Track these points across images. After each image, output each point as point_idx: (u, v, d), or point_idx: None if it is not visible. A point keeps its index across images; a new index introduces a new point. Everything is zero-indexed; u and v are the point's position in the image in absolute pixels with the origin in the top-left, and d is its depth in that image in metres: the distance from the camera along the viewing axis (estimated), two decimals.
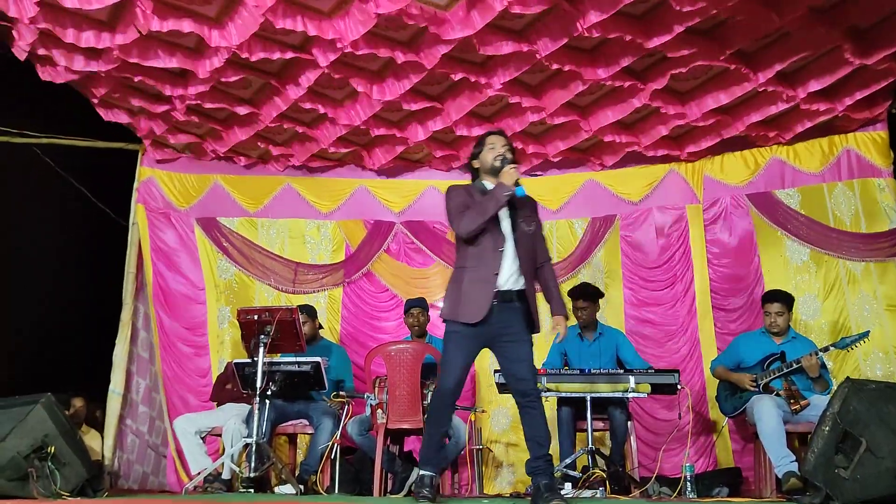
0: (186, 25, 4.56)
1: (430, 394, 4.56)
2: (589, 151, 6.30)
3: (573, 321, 5.54)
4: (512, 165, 3.56)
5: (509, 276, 3.54)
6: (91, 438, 5.64)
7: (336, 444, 4.71)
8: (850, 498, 3.15)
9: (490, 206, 3.51)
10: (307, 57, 4.96)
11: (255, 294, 6.32)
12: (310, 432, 5.06)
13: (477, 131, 5.84)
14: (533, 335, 3.60)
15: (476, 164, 3.77)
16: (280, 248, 6.43)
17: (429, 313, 5.49)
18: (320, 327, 5.67)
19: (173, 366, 6.04)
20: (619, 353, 5.28)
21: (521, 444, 6.00)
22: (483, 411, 5.53)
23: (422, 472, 3.58)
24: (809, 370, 4.59)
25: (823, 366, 4.78)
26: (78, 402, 5.75)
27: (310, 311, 5.46)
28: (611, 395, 4.67)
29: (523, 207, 3.65)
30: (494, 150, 3.69)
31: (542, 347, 6.11)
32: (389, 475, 4.94)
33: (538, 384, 4.59)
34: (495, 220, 3.56)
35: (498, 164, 3.62)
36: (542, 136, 6.12)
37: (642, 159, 6.27)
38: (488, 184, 3.68)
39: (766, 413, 4.39)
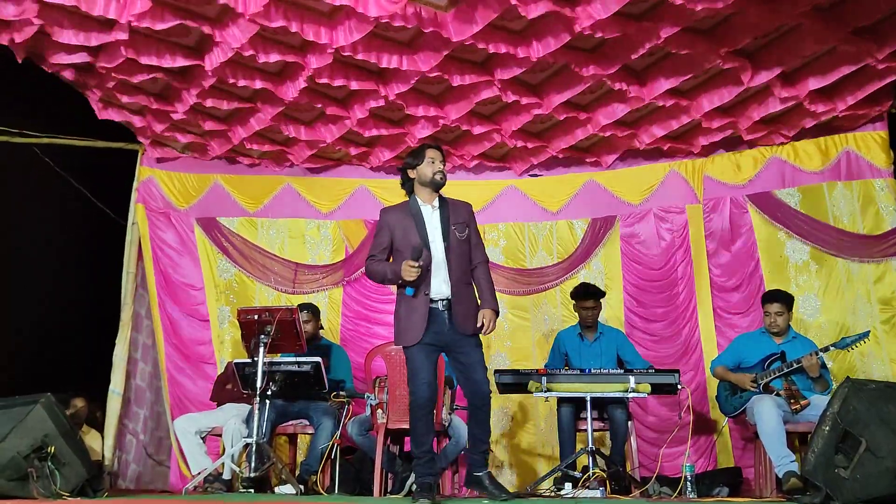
0: (187, 25, 4.57)
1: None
2: (589, 150, 6.30)
3: (574, 321, 5.55)
4: (412, 264, 3.63)
5: (443, 286, 3.73)
6: (91, 439, 5.64)
7: (336, 444, 4.71)
8: (850, 497, 3.15)
9: (390, 277, 3.77)
10: (307, 56, 4.96)
11: (254, 294, 6.32)
12: (310, 432, 5.06)
13: (478, 130, 5.85)
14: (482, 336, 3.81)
15: (412, 173, 3.88)
16: (280, 248, 6.43)
17: None
18: (321, 328, 5.67)
19: (177, 365, 6.04)
20: (620, 353, 5.28)
21: (522, 444, 6.04)
22: None
23: (424, 480, 3.64)
24: (810, 370, 4.59)
25: (824, 365, 4.78)
26: (79, 402, 5.75)
27: (313, 310, 5.45)
28: (611, 394, 4.67)
29: (457, 215, 3.84)
30: (434, 165, 3.82)
31: (543, 348, 6.14)
32: (389, 475, 4.93)
33: (536, 385, 4.66)
34: (423, 238, 3.75)
35: (438, 178, 3.81)
36: (543, 135, 6.12)
37: (642, 159, 6.27)
38: (422, 197, 3.85)
39: (767, 413, 4.39)
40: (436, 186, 3.83)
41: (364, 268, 3.94)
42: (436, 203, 3.86)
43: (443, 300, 3.73)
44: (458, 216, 3.84)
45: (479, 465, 3.77)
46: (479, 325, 3.74)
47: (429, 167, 3.81)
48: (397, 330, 3.79)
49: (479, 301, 3.84)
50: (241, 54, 4.83)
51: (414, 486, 3.87)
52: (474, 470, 3.78)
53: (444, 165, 3.88)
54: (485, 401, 3.74)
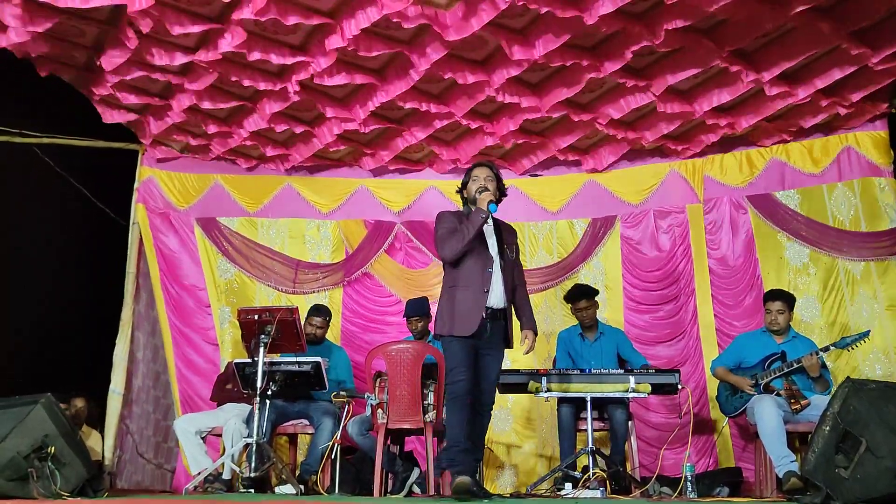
0: (187, 25, 4.58)
1: (430, 394, 4.56)
2: (589, 151, 6.30)
3: (573, 322, 5.55)
4: (488, 192, 3.92)
5: (497, 295, 3.94)
6: (92, 439, 5.64)
7: (336, 444, 4.71)
8: (851, 497, 3.14)
9: (469, 229, 3.86)
10: (307, 56, 4.96)
11: (254, 294, 6.32)
12: (310, 432, 5.06)
13: (477, 129, 5.84)
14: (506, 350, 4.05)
15: (465, 193, 4.14)
16: (280, 248, 6.42)
17: (430, 313, 5.43)
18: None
19: (187, 363, 6.05)
20: (620, 352, 5.28)
21: (522, 444, 6.03)
22: None
23: (461, 478, 3.61)
24: (810, 370, 4.59)
25: (824, 365, 4.78)
26: (79, 402, 5.76)
27: (327, 316, 5.46)
28: (611, 394, 4.66)
29: (508, 236, 4.11)
30: (477, 182, 4.03)
31: (543, 348, 6.13)
32: (390, 475, 4.93)
33: (536, 385, 4.67)
34: (483, 243, 3.97)
35: (477, 195, 3.97)
36: (543, 134, 6.12)
37: (643, 159, 6.27)
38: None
39: (767, 413, 4.39)
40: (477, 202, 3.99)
41: (440, 255, 3.98)
42: (490, 221, 4.03)
43: (496, 309, 3.92)
44: (509, 237, 4.10)
45: (472, 471, 3.77)
46: (522, 344, 3.99)
47: (473, 185, 4.03)
48: (448, 318, 3.86)
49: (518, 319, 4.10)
50: (241, 54, 4.83)
51: (454, 489, 3.77)
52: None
53: (493, 180, 4.03)
54: (486, 408, 3.95)
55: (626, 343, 5.38)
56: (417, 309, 5.40)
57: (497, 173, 4.11)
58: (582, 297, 5.34)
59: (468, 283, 3.89)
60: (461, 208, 4.16)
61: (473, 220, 3.87)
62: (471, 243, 3.87)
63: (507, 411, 6.09)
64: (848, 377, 3.58)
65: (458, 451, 3.72)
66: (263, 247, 6.36)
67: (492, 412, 4.02)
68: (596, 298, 5.41)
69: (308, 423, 5.07)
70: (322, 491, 4.76)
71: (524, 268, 6.28)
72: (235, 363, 4.91)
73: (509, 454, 6.03)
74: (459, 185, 4.17)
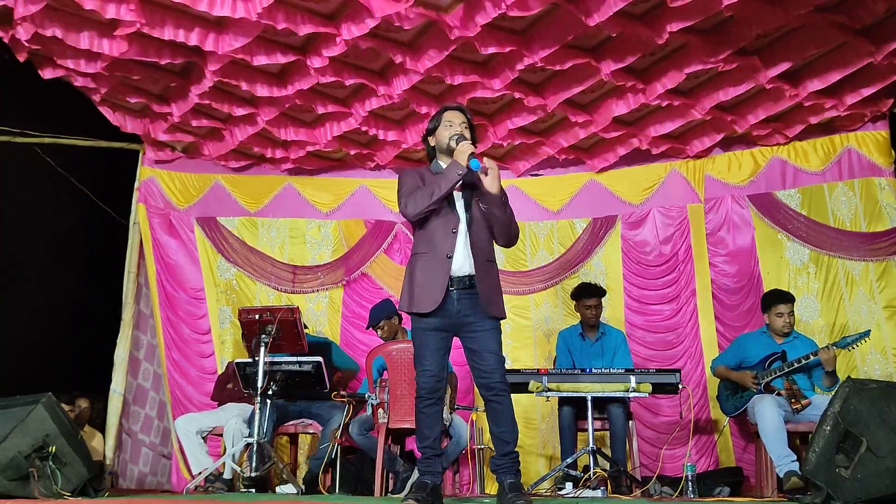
0: (188, 27, 4.58)
1: None
2: (590, 151, 6.29)
3: (575, 320, 5.54)
4: (467, 142, 3.29)
5: (462, 260, 3.31)
6: (95, 440, 5.65)
7: (337, 444, 4.71)
8: (851, 497, 3.14)
9: (441, 184, 3.24)
10: (308, 57, 4.96)
11: (255, 293, 6.32)
12: (311, 432, 5.07)
13: (478, 129, 5.83)
14: (501, 321, 3.38)
15: (432, 141, 3.50)
16: (280, 248, 6.43)
17: (396, 314, 5.22)
18: (305, 327, 5.60)
19: (177, 365, 6.05)
20: (615, 356, 5.26)
21: (522, 444, 6.00)
22: (483, 410, 5.50)
23: (421, 479, 3.34)
24: (826, 364, 4.58)
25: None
26: (83, 403, 5.76)
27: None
28: (612, 394, 4.66)
29: (482, 184, 3.33)
30: (451, 127, 3.40)
31: (544, 348, 6.13)
32: (390, 475, 4.94)
33: (537, 385, 4.64)
34: (449, 200, 3.33)
35: (454, 144, 3.31)
36: (544, 135, 6.11)
37: (644, 158, 6.27)
38: (444, 164, 3.41)
39: (768, 412, 4.39)
40: (452, 153, 3.31)
41: (402, 212, 3.33)
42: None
43: (461, 277, 3.29)
44: (482, 186, 3.32)
45: (502, 470, 3.28)
46: (485, 174, 3.22)
47: (446, 131, 3.39)
48: (409, 292, 3.32)
49: (498, 279, 3.42)
50: (243, 56, 4.83)
51: (412, 487, 3.82)
52: (499, 476, 3.32)
53: (469, 128, 3.42)
54: (493, 393, 3.33)
55: (622, 346, 5.32)
56: (376, 315, 5.21)
57: (471, 121, 3.46)
58: (591, 295, 5.30)
59: (430, 247, 3.31)
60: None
61: (448, 175, 3.23)
62: (440, 201, 3.26)
63: None
64: (849, 377, 3.59)
65: (422, 460, 3.32)
66: (261, 253, 6.36)
67: (509, 396, 3.39)
68: (602, 299, 5.38)
69: (309, 423, 5.08)
70: (323, 491, 4.76)
71: (524, 268, 6.37)
72: (236, 363, 4.91)
73: None
74: (425, 132, 3.51)
